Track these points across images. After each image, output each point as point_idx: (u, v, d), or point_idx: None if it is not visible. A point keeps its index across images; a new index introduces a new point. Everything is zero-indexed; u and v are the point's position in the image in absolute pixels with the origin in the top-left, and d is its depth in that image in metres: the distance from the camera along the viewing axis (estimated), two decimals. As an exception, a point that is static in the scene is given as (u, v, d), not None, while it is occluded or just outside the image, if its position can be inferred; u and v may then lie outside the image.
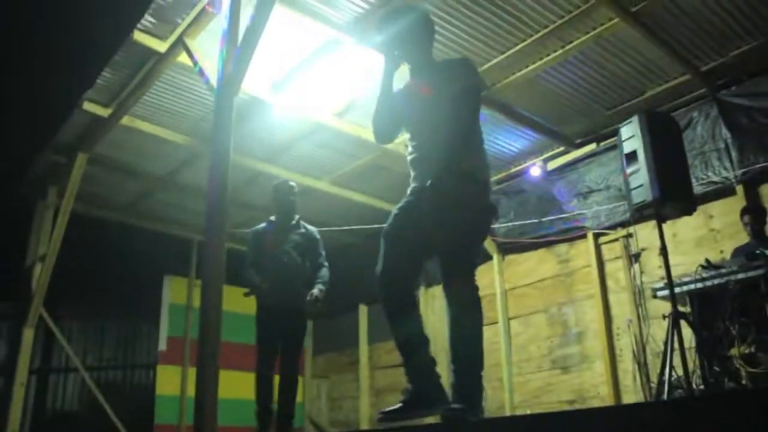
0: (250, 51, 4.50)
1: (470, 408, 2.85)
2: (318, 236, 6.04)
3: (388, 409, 3.05)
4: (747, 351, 4.57)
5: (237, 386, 7.76)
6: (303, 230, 5.99)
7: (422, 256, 3.28)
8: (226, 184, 4.34)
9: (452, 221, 3.04)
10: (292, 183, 6.10)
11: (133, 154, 7.96)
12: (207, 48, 5.64)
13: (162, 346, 9.48)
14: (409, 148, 3.39)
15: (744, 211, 5.69)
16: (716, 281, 4.79)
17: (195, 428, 3.90)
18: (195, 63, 5.50)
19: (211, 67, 5.08)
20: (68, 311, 10.53)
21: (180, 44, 5.72)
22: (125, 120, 6.94)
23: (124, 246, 9.54)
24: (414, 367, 3.15)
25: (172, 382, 9.21)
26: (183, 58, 5.85)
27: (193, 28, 5.61)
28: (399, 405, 3.04)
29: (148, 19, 5.69)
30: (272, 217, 6.04)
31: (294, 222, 5.98)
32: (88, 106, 6.71)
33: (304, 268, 5.87)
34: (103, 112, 6.84)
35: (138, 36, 5.79)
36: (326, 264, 5.92)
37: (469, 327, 3.03)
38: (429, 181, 3.04)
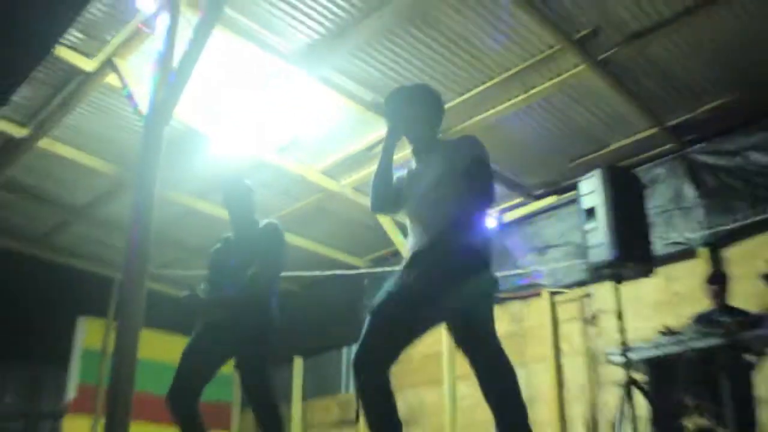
0: (186, 77, 4.51)
1: None
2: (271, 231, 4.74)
3: None
4: (704, 425, 4.63)
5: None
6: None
7: (415, 332, 3.29)
8: (150, 219, 4.31)
9: (464, 288, 3.13)
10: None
11: (51, 180, 7.84)
12: (139, 71, 5.63)
13: (71, 393, 9.24)
14: (409, 236, 3.44)
15: (709, 279, 5.79)
16: (673, 349, 4.86)
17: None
18: (124, 86, 5.47)
19: (142, 92, 5.06)
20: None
21: (109, 64, 5.68)
22: (44, 142, 6.85)
23: (35, 282, 9.34)
24: None
25: (80, 435, 8.96)
26: (112, 79, 5.82)
27: (124, 48, 5.59)
28: None
29: (74, 34, 5.63)
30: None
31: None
32: (1, 124, 6.61)
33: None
34: (19, 132, 6.74)
35: (62, 51, 5.72)
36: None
37: (514, 380, 3.17)
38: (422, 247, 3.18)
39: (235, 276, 4.47)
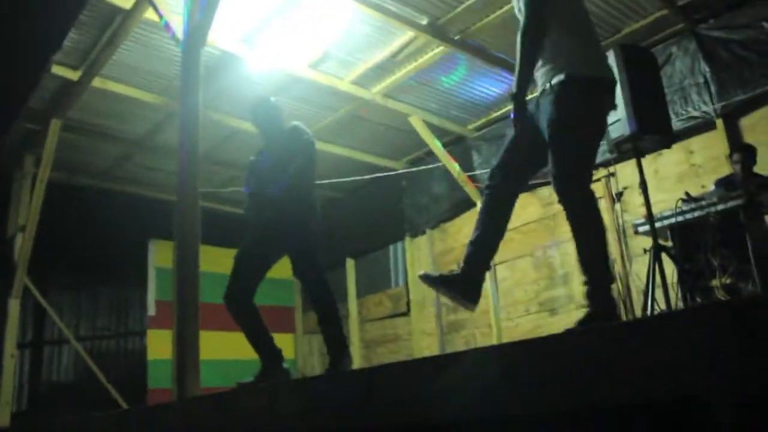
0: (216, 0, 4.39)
1: (604, 312, 2.81)
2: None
3: (428, 273, 3.17)
4: (728, 282, 4.55)
5: (220, 347, 7.75)
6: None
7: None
8: (196, 140, 4.25)
9: None
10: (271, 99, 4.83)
11: (108, 117, 7.82)
12: (173, 2, 5.50)
13: (151, 310, 9.44)
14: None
15: (733, 150, 5.58)
16: (696, 214, 4.74)
17: (177, 389, 3.83)
18: (161, 17, 5.34)
19: (178, 21, 4.94)
20: (59, 282, 10.46)
21: (145, -1, 5.55)
22: (96, 82, 6.79)
23: (106, 212, 9.42)
24: (476, 258, 3.17)
25: (163, 346, 9.16)
26: (150, 14, 5.69)
27: (157, -19, 5.45)
28: (440, 275, 3.13)
29: (110, -26, 5.52)
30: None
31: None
32: (57, 69, 6.55)
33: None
34: (73, 75, 6.69)
35: (101, -8, 5.61)
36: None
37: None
38: None
39: (275, 178, 4.41)
